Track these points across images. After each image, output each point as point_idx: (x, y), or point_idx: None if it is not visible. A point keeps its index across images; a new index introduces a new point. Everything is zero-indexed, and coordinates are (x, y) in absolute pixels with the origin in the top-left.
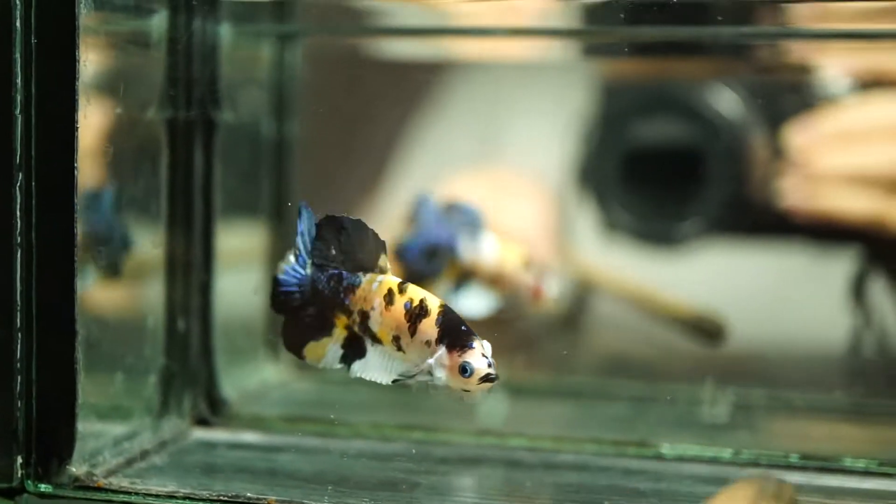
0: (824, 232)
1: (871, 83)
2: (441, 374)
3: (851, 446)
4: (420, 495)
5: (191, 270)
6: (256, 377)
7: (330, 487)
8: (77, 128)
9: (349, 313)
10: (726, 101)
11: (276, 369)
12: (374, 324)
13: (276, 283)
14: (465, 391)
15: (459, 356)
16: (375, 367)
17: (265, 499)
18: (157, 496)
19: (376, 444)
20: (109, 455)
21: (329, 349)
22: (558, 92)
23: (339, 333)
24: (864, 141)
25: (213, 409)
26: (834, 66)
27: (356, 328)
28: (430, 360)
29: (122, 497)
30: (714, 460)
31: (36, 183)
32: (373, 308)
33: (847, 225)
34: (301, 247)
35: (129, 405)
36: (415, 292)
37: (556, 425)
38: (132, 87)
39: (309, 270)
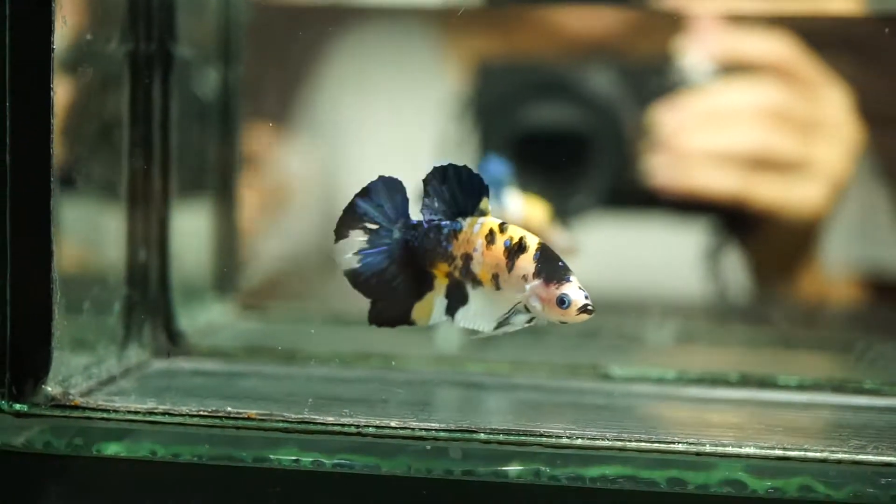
0: (690, 207)
1: (732, 67)
2: (537, 305)
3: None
4: (393, 409)
5: (150, 202)
6: (205, 316)
7: (311, 400)
8: (52, 48)
9: (451, 259)
10: (606, 84)
11: (223, 309)
12: (476, 265)
13: (355, 275)
14: (562, 322)
15: (557, 288)
16: (477, 313)
17: (245, 413)
18: (136, 412)
19: (337, 371)
20: (80, 379)
21: (435, 303)
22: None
23: (440, 284)
24: (727, 122)
25: (172, 341)
26: (697, 51)
27: (457, 273)
28: (527, 291)
29: (100, 414)
30: (660, 380)
31: (10, 106)
32: (475, 249)
33: (710, 201)
34: (378, 219)
35: (96, 332)
36: (514, 231)
37: (509, 354)
38: (95, 19)
39: (397, 235)
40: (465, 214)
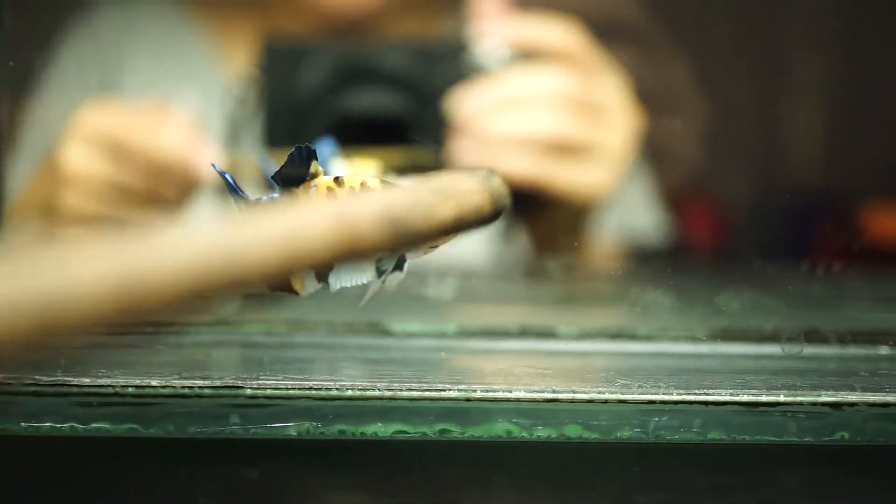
0: None
1: (525, 54)
2: None
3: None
4: (156, 369)
5: None
6: None
7: (63, 360)
8: None
9: None
10: (409, 66)
11: None
12: None
13: None
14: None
15: None
16: (351, 272)
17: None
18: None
19: (105, 338)
20: None
21: (306, 278)
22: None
23: None
24: (524, 107)
25: None
26: (490, 36)
27: None
28: None
29: None
30: (440, 334)
31: None
32: None
33: (510, 186)
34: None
35: None
36: (353, 179)
37: (289, 312)
38: None
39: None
40: (295, 183)
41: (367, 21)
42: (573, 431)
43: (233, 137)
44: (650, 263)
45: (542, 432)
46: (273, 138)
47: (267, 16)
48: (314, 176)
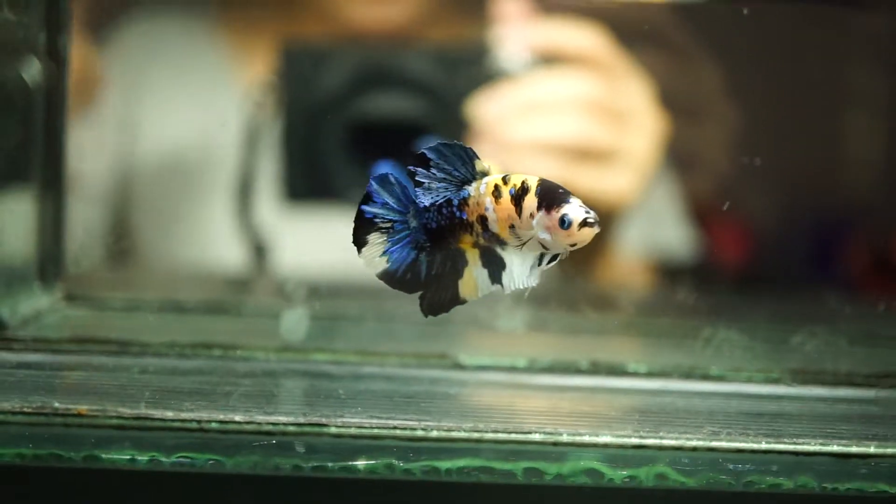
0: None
1: (545, 58)
2: (547, 237)
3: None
4: (236, 402)
5: None
6: (30, 304)
7: (147, 393)
8: None
9: (470, 228)
10: (430, 71)
11: (50, 298)
12: (493, 223)
13: (388, 275)
14: (572, 246)
15: (556, 212)
16: (521, 273)
17: (74, 409)
18: (125, 419)
19: (175, 361)
20: None
21: (476, 276)
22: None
23: (472, 255)
24: (546, 112)
25: None
26: (513, 41)
27: (481, 240)
28: (535, 228)
29: None
30: (511, 369)
31: None
32: (487, 209)
33: None
34: (389, 217)
35: None
36: (517, 178)
37: (357, 342)
38: None
39: (413, 223)
40: (468, 182)
41: (394, 33)
42: (657, 476)
43: (252, 142)
44: (679, 279)
45: (627, 474)
46: (292, 143)
47: (291, 25)
48: (484, 174)
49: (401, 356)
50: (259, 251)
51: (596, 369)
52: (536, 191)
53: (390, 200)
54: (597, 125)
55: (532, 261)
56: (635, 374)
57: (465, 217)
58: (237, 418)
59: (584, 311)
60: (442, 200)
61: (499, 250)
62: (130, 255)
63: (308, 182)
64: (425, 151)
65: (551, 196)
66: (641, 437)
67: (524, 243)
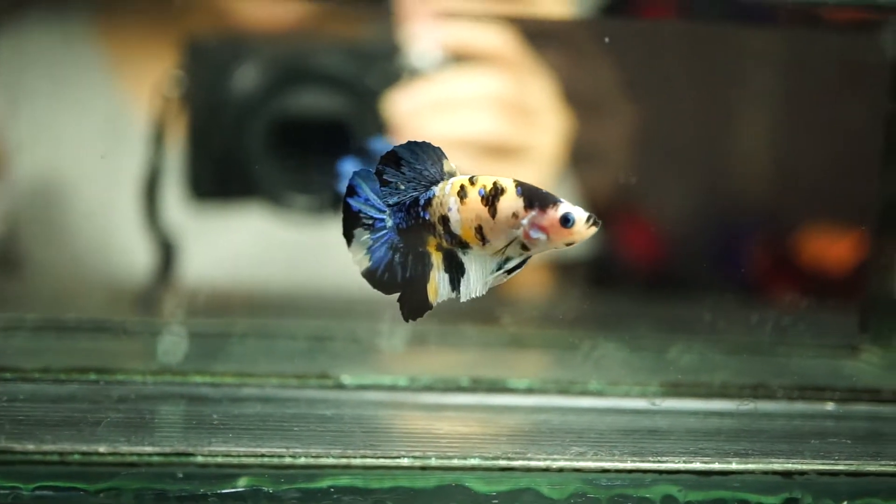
0: None
1: (458, 57)
2: (540, 236)
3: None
4: (104, 431)
5: None
6: None
7: (7, 426)
8: None
9: (433, 228)
10: (351, 68)
11: None
12: (455, 224)
13: (370, 273)
14: (569, 244)
15: (556, 211)
16: (476, 280)
17: None
18: None
19: (48, 387)
20: None
21: (438, 280)
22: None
23: (437, 258)
24: (458, 109)
25: None
26: (424, 40)
27: (444, 241)
28: (524, 225)
29: None
30: (392, 388)
31: None
32: (449, 209)
33: None
34: (371, 213)
35: None
36: (486, 179)
37: (237, 362)
38: None
39: (390, 222)
40: (436, 183)
41: (289, 30)
42: (526, 491)
43: (158, 138)
44: (578, 278)
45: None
46: (199, 139)
47: (182, 28)
48: (451, 174)
49: (281, 377)
50: (166, 250)
51: (477, 386)
52: (517, 191)
53: (372, 197)
54: (505, 122)
55: (490, 268)
56: (515, 391)
57: (427, 217)
58: (101, 449)
59: (469, 324)
60: (410, 201)
61: (460, 254)
62: (14, 271)
63: (216, 179)
64: (397, 150)
65: (542, 196)
66: (509, 458)
67: (504, 247)
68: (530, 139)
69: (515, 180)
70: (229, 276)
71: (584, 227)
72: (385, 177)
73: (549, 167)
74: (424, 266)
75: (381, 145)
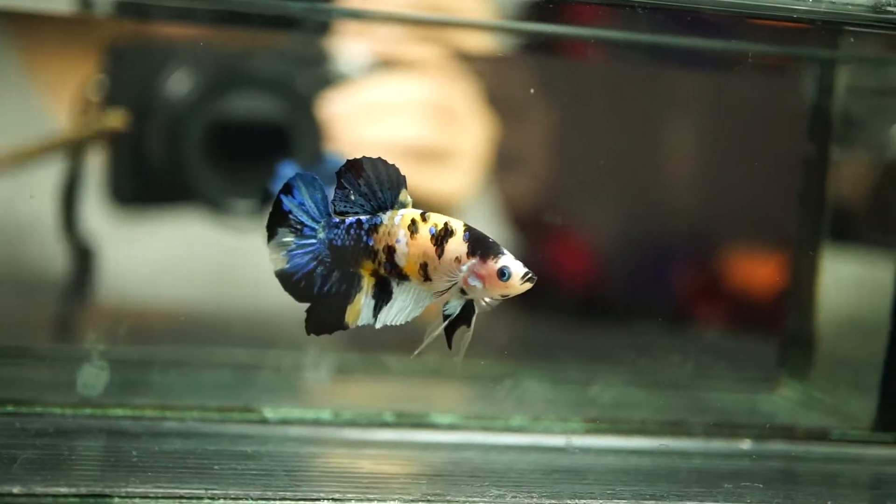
0: None
1: (387, 63)
2: (477, 284)
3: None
4: (20, 470)
5: None
6: None
7: None
8: None
9: (374, 255)
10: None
11: None
12: (401, 257)
13: (285, 275)
14: (504, 296)
15: (495, 262)
16: (401, 310)
17: None
18: None
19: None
20: None
21: (363, 304)
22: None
23: (368, 282)
24: (389, 114)
25: None
26: (355, 46)
27: (382, 269)
28: (463, 272)
29: None
30: (316, 422)
31: None
32: (398, 241)
33: None
34: (302, 218)
35: None
36: (438, 218)
37: (158, 395)
38: None
39: (322, 235)
40: (384, 209)
41: (216, 36)
42: None
43: (78, 143)
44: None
45: None
46: (121, 144)
47: (104, 33)
48: (403, 205)
49: (203, 410)
50: (84, 260)
51: (400, 421)
52: (465, 236)
53: (308, 203)
54: (431, 127)
55: (425, 301)
56: (439, 427)
57: (371, 244)
58: (15, 490)
59: (396, 354)
60: (355, 220)
61: (394, 284)
62: None
63: (141, 184)
64: (364, 161)
65: (485, 245)
66: (428, 501)
67: (447, 288)
68: (455, 144)
69: (465, 224)
70: (152, 293)
71: (518, 282)
72: (343, 181)
73: (473, 171)
74: (351, 287)
75: (334, 159)
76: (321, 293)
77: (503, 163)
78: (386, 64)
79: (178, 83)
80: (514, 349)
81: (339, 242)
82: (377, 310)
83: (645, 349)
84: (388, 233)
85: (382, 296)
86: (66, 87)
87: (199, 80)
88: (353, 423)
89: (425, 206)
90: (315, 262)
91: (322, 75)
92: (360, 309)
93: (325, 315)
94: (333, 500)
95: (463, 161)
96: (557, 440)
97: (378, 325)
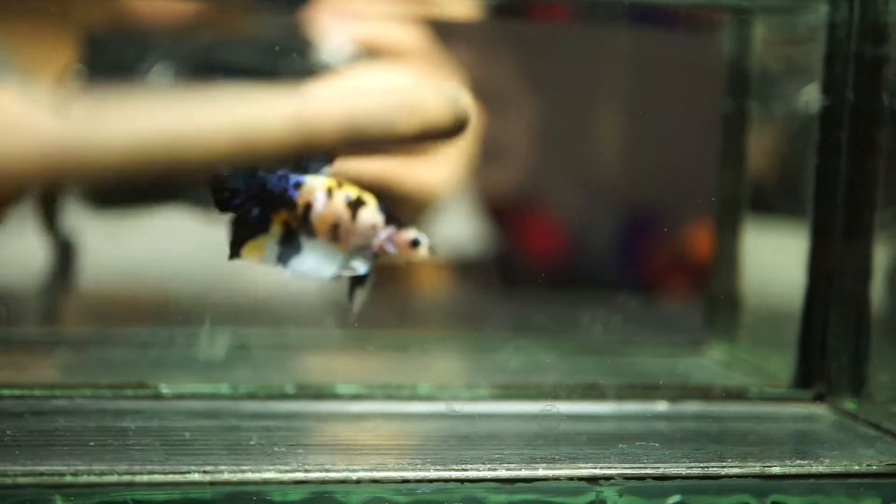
0: None
1: (369, 53)
2: (392, 249)
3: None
4: None
5: None
6: None
7: None
8: None
9: (292, 208)
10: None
11: None
12: (316, 216)
13: (218, 180)
14: (408, 262)
15: (408, 234)
16: (312, 262)
17: None
18: None
19: None
20: None
21: (266, 247)
22: None
23: (276, 230)
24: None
25: None
26: (337, 35)
27: (295, 222)
28: (381, 238)
29: None
30: (213, 396)
31: None
32: (316, 200)
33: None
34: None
35: None
36: (351, 188)
37: (52, 372)
38: None
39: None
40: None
41: (192, 25)
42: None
43: None
44: (475, 276)
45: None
46: None
47: (80, 21)
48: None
49: (95, 387)
50: (64, 251)
51: (302, 393)
52: (379, 207)
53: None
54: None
55: (334, 260)
56: (342, 397)
57: (294, 197)
58: None
59: (314, 325)
60: (283, 173)
61: (302, 238)
62: None
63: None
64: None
65: (397, 218)
66: (307, 471)
67: (361, 249)
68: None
69: (376, 198)
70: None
71: (425, 252)
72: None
73: (459, 163)
74: (259, 227)
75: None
76: (238, 215)
77: (485, 153)
78: (369, 53)
79: (156, 72)
80: (443, 318)
81: (268, 185)
82: (284, 258)
83: (570, 317)
84: (310, 191)
85: (291, 246)
86: (43, 75)
87: (176, 70)
88: (252, 396)
89: (408, 201)
90: (242, 190)
91: (302, 64)
92: (263, 251)
93: (235, 237)
94: (204, 471)
95: (447, 152)
96: (464, 407)
97: (292, 276)
